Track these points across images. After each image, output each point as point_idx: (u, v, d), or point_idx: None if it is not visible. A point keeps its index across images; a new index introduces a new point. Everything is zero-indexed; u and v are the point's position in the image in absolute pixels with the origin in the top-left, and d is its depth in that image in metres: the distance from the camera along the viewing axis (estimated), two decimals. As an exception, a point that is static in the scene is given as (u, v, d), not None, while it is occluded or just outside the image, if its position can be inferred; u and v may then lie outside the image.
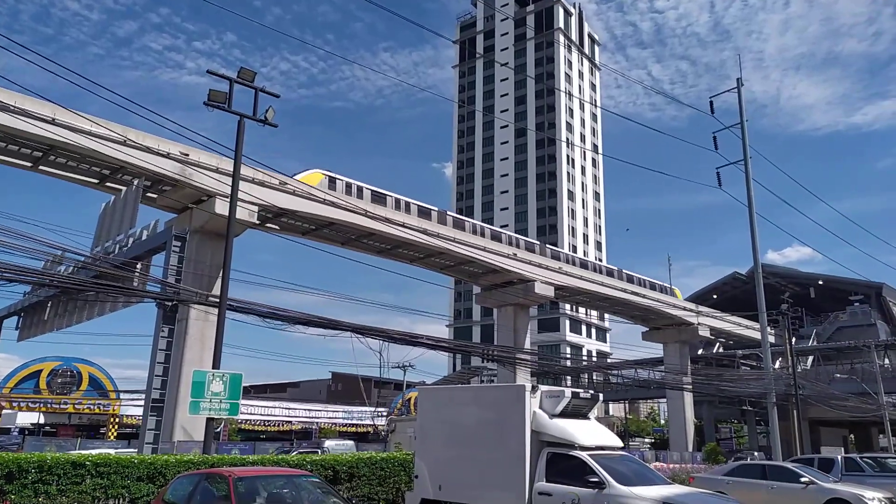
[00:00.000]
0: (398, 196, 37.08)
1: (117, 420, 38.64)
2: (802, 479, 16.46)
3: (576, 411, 11.14)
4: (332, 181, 33.70)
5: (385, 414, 40.76)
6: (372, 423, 42.67)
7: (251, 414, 39.77)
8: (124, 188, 25.90)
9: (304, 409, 42.74)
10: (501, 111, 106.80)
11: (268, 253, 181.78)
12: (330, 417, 43.39)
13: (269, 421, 40.11)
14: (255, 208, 28.23)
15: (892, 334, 64.56)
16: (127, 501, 10.51)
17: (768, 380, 32.00)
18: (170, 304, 19.31)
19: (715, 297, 72.04)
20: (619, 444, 11.59)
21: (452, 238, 38.31)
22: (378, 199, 34.14)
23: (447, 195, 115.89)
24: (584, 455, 10.48)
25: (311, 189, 28.99)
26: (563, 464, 10.49)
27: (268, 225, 32.72)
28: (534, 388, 11.05)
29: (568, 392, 11.22)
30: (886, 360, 52.54)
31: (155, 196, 28.59)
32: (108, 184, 27.68)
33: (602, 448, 10.82)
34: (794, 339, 47.48)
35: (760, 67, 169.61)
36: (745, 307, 61.71)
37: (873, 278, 64.50)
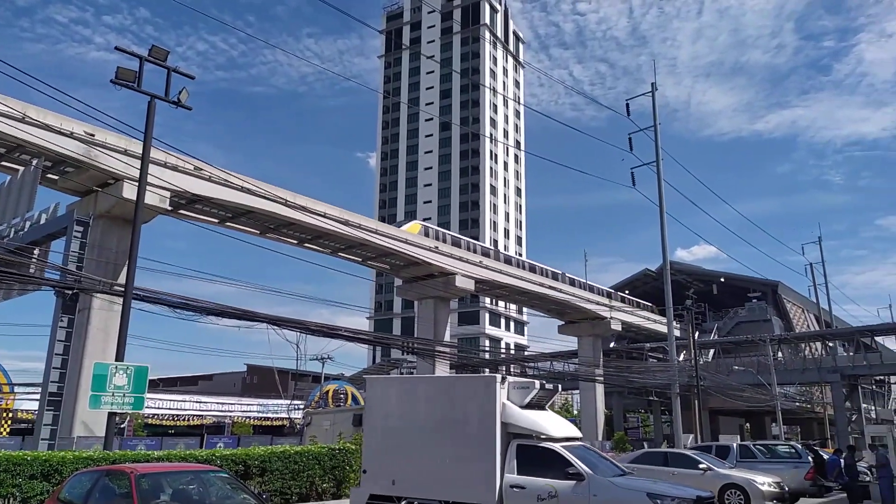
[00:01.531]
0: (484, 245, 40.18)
1: (10, 415, 36.19)
2: (701, 466, 17.44)
3: (538, 403, 11.06)
4: (426, 230, 39.22)
5: (302, 407, 40.12)
6: (287, 416, 41.89)
7: (159, 408, 38.19)
8: (22, 168, 24.19)
9: (217, 403, 41.42)
10: (426, 104, 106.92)
11: (181, 240, 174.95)
12: (244, 411, 42.25)
13: (178, 415, 38.64)
14: (167, 194, 27.03)
15: (785, 329, 69.26)
16: (18, 501, 9.87)
17: (673, 371, 33.69)
18: (70, 292, 18.25)
19: (627, 292, 75.00)
20: (580, 434, 11.64)
21: (374, 230, 38.06)
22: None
23: (371, 186, 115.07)
24: (557, 447, 10.39)
25: (227, 175, 28.02)
26: (535, 456, 10.29)
27: (181, 212, 31.41)
28: (503, 379, 10.78)
29: (537, 383, 11.18)
30: (780, 354, 56.32)
31: (56, 178, 26.84)
32: (3, 163, 25.79)
33: (568, 439, 10.79)
34: (697, 334, 50.13)
35: (674, 73, 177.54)
36: (654, 302, 64.67)
37: (770, 277, 68.99)
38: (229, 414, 40.91)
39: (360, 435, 15.17)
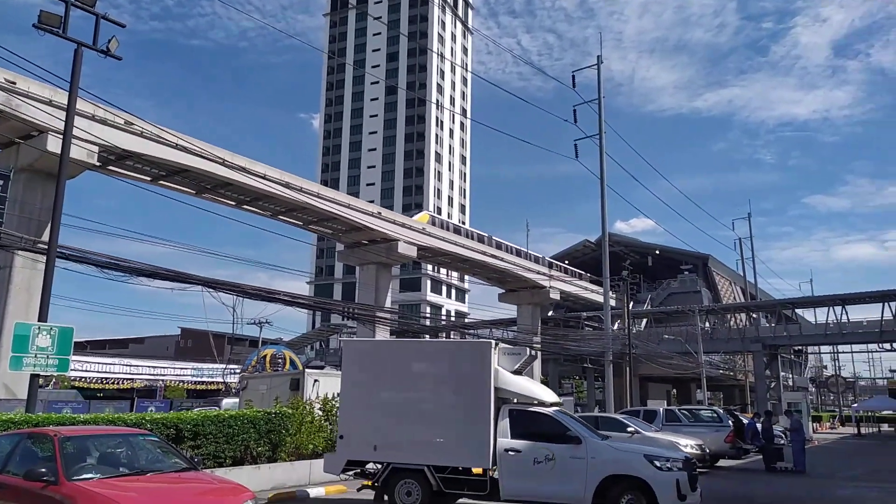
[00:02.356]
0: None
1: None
2: (629, 430, 18.15)
3: (519, 369, 11.21)
4: (432, 220, 36.83)
5: (238, 371, 39.56)
6: (223, 380, 41.26)
7: (87, 371, 36.94)
8: (-67, 115, 22.57)
9: (149, 367, 40.36)
10: (373, 67, 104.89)
11: (111, 198, 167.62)
12: (177, 375, 41.35)
13: (107, 378, 37.49)
14: (96, 148, 25.77)
15: (714, 301, 72.36)
16: (-71, 467, 9.38)
17: (607, 340, 34.73)
18: (-11, 249, 17.26)
19: (567, 262, 76.56)
20: (560, 399, 11.83)
21: (316, 193, 37.41)
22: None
23: (314, 148, 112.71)
24: (550, 412, 10.59)
25: (160, 131, 26.87)
26: (529, 420, 10.39)
27: (111, 168, 30.05)
28: (495, 345, 10.80)
29: (528, 350, 11.36)
30: (707, 324, 58.86)
31: (-28, 127, 25.19)
32: (-88, 109, 23.97)
33: (554, 405, 10.97)
34: (631, 304, 51.75)
35: (619, 48, 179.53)
36: (592, 272, 66.29)
37: (702, 250, 71.74)
38: (162, 378, 39.97)
39: (298, 399, 15.08)
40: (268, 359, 38.92)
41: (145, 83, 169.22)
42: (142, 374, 39.72)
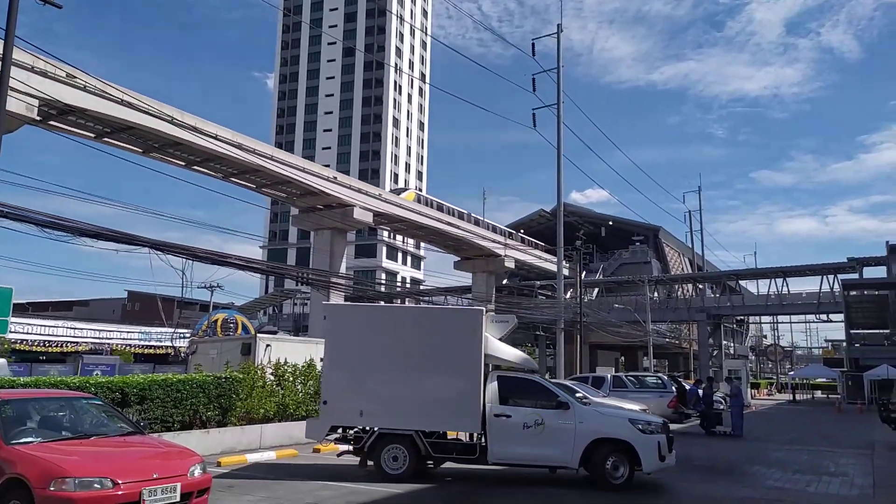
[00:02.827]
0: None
1: None
2: (577, 395, 18.58)
3: (503, 337, 11.45)
4: (418, 198, 40.19)
5: (188, 336, 38.89)
6: (172, 345, 40.52)
7: (27, 333, 35.73)
8: None
9: (94, 330, 39.28)
10: (330, 26, 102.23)
11: (53, 155, 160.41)
12: (124, 339, 40.39)
13: (50, 341, 36.36)
14: (35, 102, 24.53)
15: (663, 271, 74.23)
16: None
17: (559, 308, 35.38)
18: (-82, 205, 16.34)
19: (522, 231, 77.23)
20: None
21: (270, 155, 36.58)
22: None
23: (268, 109, 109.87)
24: (536, 377, 11.15)
25: (104, 86, 25.74)
26: (517, 386, 10.65)
27: (52, 123, 28.72)
28: (484, 313, 10.95)
29: (514, 318, 11.59)
30: (656, 294, 60.48)
31: None
32: None
33: (534, 371, 11.31)
34: (584, 273, 52.68)
35: (580, 17, 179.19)
36: (547, 242, 67.08)
37: (654, 222, 73.22)
38: (107, 341, 38.99)
39: (249, 364, 14.94)
40: (219, 323, 38.38)
41: (89, 37, 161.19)
42: (86, 337, 38.65)
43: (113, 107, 27.76)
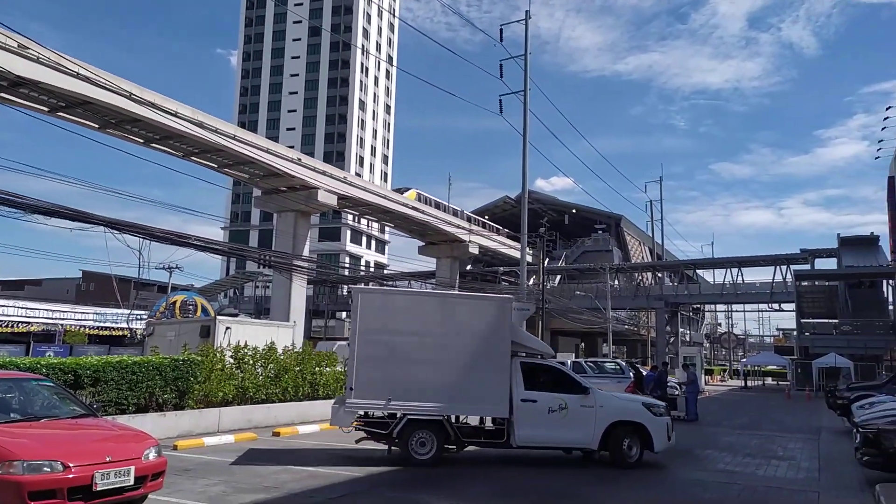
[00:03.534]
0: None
1: None
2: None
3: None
4: (419, 197, 41.93)
5: (145, 317, 38.07)
6: (128, 326, 39.62)
7: (-24, 313, 34.56)
8: None
9: (47, 310, 38.12)
10: (296, 4, 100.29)
11: (4, 129, 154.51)
12: (78, 320, 39.30)
13: (0, 321, 35.21)
14: (-15, 72, 23.57)
15: (624, 259, 75.49)
16: None
17: (522, 294, 35.66)
18: None
19: (486, 217, 77.51)
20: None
21: (232, 135, 35.88)
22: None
23: (231, 88, 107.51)
24: (555, 363, 11.85)
25: (59, 58, 24.84)
26: (540, 372, 11.09)
27: (2, 95, 27.61)
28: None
29: (533, 307, 11.84)
30: (616, 282, 61.49)
31: None
32: None
33: (553, 357, 12.00)
34: (547, 260, 53.21)
35: (548, 4, 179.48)
36: (511, 228, 67.50)
37: (616, 211, 74.27)
38: (61, 322, 37.91)
39: (208, 346, 14.70)
40: (177, 305, 37.69)
41: (46, 8, 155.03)
42: (39, 317, 37.52)
43: (68, 80, 26.83)
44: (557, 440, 10.77)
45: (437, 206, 58.47)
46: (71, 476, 6.00)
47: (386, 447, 10.87)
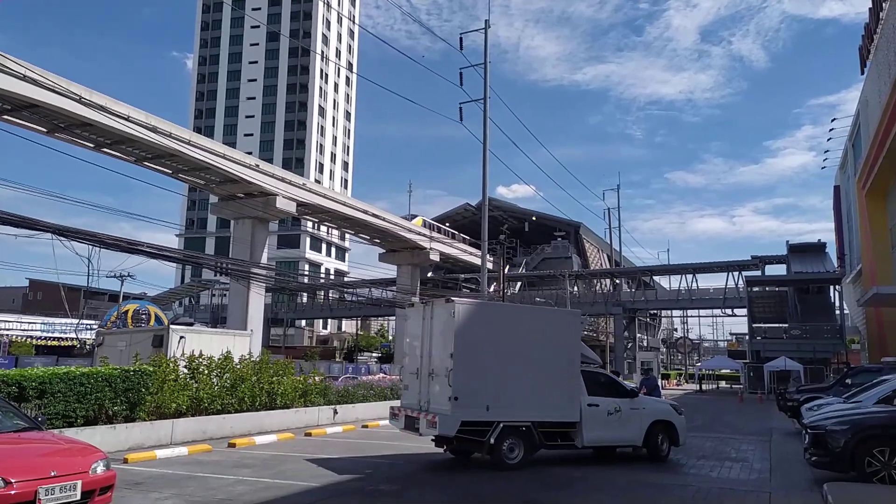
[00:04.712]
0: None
1: None
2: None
3: None
4: (424, 223, 40.88)
5: (95, 327, 36.90)
6: (76, 336, 38.34)
7: (-87, 323, 33.01)
8: None
9: (-10, 320, 36.69)
10: (253, 9, 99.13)
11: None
12: (25, 330, 37.88)
13: (-60, 333, 33.73)
14: (-77, 72, 22.61)
15: (582, 266, 76.47)
16: None
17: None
18: None
19: (447, 224, 77.63)
20: None
21: (187, 140, 35.18)
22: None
23: (186, 93, 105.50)
24: (605, 371, 13.23)
25: (4, 59, 24.01)
26: (596, 379, 12.21)
27: (-58, 96, 26.53)
28: None
29: (583, 318, 12.90)
30: (576, 288, 62.23)
31: None
32: None
33: (599, 365, 13.55)
34: (507, 267, 53.54)
35: (507, 14, 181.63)
36: (472, 235, 67.72)
37: (575, 218, 75.20)
38: (6, 332, 36.47)
39: (161, 356, 14.31)
40: (129, 314, 36.69)
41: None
42: (-19, 328, 36.08)
43: (13, 82, 25.94)
44: (614, 440, 11.98)
45: (439, 229, 59.71)
46: (13, 492, 5.77)
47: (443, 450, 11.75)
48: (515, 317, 12.07)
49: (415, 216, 63.82)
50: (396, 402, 20.10)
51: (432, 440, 11.42)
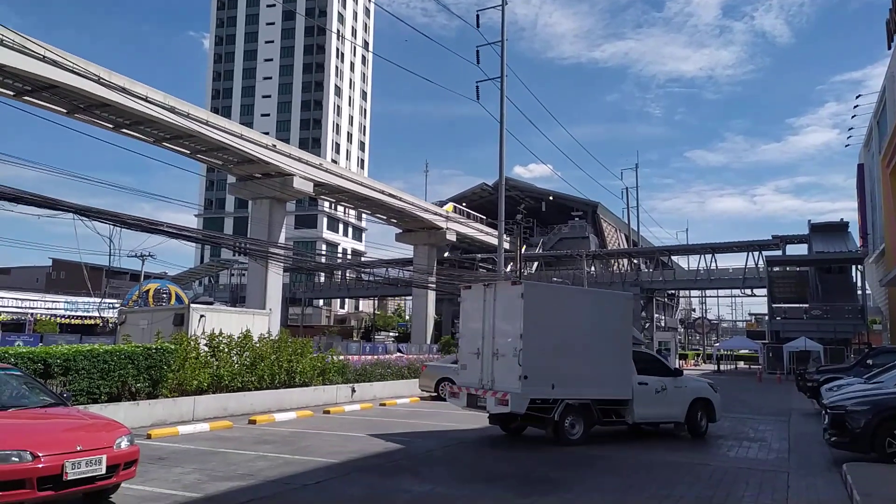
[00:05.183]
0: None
1: None
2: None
3: None
4: (456, 209, 43.49)
5: (117, 306, 37.48)
6: (99, 315, 38.97)
7: (-58, 302, 33.75)
8: None
9: (15, 298, 37.30)
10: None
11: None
12: (49, 308, 38.57)
13: (-32, 311, 34.48)
14: (-54, 54, 22.85)
15: (600, 246, 76.09)
16: None
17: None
18: None
19: (464, 204, 77.47)
20: None
21: (205, 120, 35.31)
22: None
23: (203, 73, 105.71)
24: (651, 351, 13.87)
25: (25, 41, 24.18)
26: (645, 359, 12.88)
27: (-35, 78, 26.82)
28: None
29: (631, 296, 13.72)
30: (593, 268, 62.01)
31: None
32: None
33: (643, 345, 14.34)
34: (524, 247, 53.42)
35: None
36: (489, 215, 67.57)
37: (592, 198, 74.76)
38: (31, 311, 37.16)
39: (182, 335, 14.51)
40: (150, 293, 37.20)
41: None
42: (7, 306, 36.76)
43: (34, 63, 26.13)
44: (660, 416, 12.59)
45: (461, 213, 60.01)
46: (40, 466, 5.90)
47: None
48: (577, 298, 12.88)
49: (443, 203, 64.14)
50: (413, 381, 20.38)
51: (488, 417, 12.02)
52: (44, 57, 26.04)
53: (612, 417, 12.02)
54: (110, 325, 34.42)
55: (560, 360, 11.29)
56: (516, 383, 10.79)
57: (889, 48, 29.73)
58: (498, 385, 11.17)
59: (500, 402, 10.80)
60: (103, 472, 6.35)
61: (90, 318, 40.08)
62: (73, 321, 39.17)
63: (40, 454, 5.94)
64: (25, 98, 29.52)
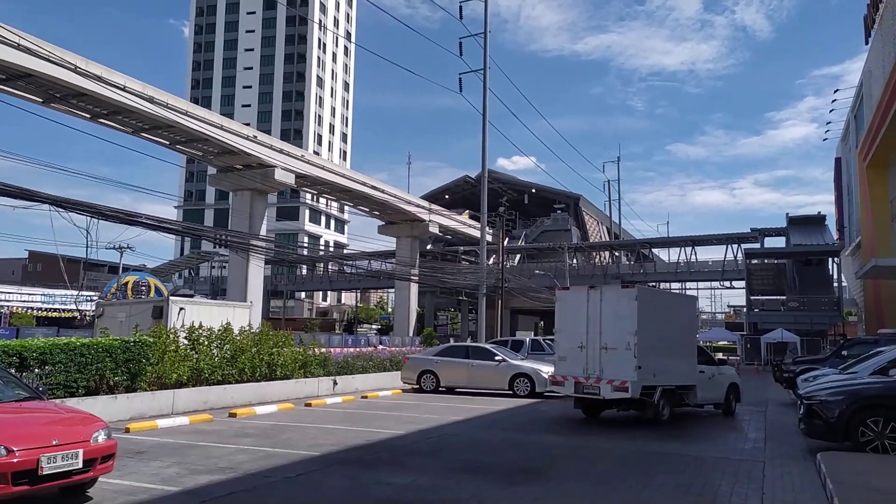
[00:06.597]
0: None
1: None
2: (496, 358, 19.06)
3: None
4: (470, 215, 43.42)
5: (95, 298, 37.00)
6: (76, 308, 38.45)
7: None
8: None
9: (-10, 291, 36.76)
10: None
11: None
12: (25, 301, 37.97)
13: (-60, 304, 33.82)
14: (-84, 41, 22.30)
15: (582, 239, 76.46)
16: None
17: (482, 274, 35.87)
18: None
19: (447, 196, 77.38)
20: None
21: (184, 111, 34.87)
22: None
23: (183, 62, 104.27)
24: (701, 344, 16.37)
25: (-2, 27, 23.67)
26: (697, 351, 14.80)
27: (-64, 66, 26.21)
28: None
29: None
30: (575, 261, 62.31)
31: None
32: None
33: None
34: (506, 240, 53.55)
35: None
36: (472, 207, 67.54)
37: (575, 190, 74.97)
38: (7, 304, 36.56)
39: (160, 327, 14.35)
40: (129, 286, 36.78)
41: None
42: (-18, 299, 36.18)
43: (8, 51, 25.62)
44: (710, 399, 14.76)
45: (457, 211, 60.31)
46: (15, 460, 5.81)
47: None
48: (668, 300, 15.46)
49: (426, 195, 64.14)
50: (395, 373, 20.38)
51: (574, 402, 13.81)
52: (18, 45, 25.53)
53: (683, 400, 13.96)
54: (88, 318, 33.95)
55: (659, 353, 13.05)
56: (631, 373, 12.38)
57: (866, 43, 30.14)
58: (607, 374, 12.69)
59: (617, 388, 12.43)
60: (80, 466, 6.28)
61: (67, 310, 39.53)
62: (50, 314, 38.60)
63: (15, 448, 5.85)
64: (0, 87, 28.94)
